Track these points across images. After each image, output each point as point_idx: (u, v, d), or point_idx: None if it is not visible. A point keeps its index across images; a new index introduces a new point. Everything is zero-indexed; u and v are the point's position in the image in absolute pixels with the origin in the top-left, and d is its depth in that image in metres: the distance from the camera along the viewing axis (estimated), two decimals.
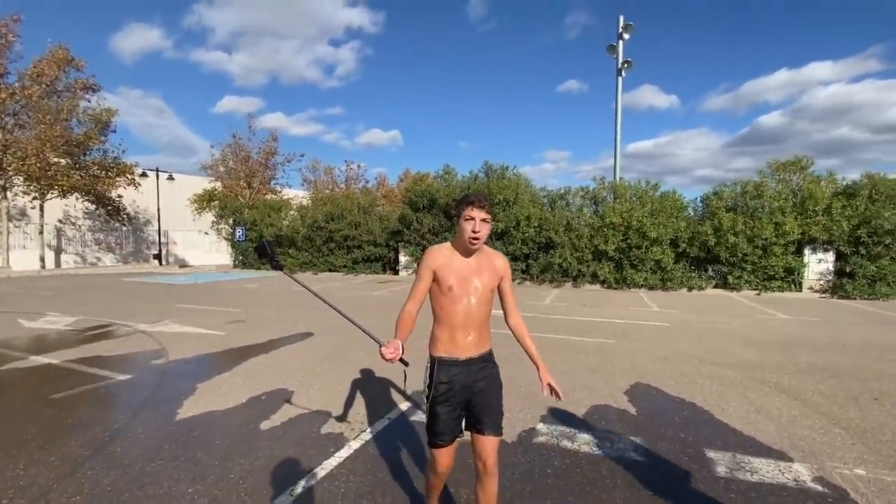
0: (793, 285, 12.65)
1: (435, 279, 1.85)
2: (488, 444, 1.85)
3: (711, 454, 2.90)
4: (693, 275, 13.35)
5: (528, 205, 15.00)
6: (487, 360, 1.92)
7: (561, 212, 15.10)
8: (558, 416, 3.52)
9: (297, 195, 27.33)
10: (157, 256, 23.76)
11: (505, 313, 2.03)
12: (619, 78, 16.72)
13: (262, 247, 2.08)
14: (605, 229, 13.86)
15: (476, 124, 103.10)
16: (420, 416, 3.42)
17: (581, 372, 4.71)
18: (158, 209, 23.70)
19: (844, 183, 13.08)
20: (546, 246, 14.74)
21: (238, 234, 20.99)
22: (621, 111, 16.89)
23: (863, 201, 11.92)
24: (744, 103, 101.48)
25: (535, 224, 14.47)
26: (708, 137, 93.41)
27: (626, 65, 16.57)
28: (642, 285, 13.49)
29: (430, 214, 16.30)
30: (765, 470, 2.70)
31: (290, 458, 2.77)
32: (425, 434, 1.91)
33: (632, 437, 3.13)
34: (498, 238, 14.95)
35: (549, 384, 1.92)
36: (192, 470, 2.63)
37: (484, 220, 1.78)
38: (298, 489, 2.43)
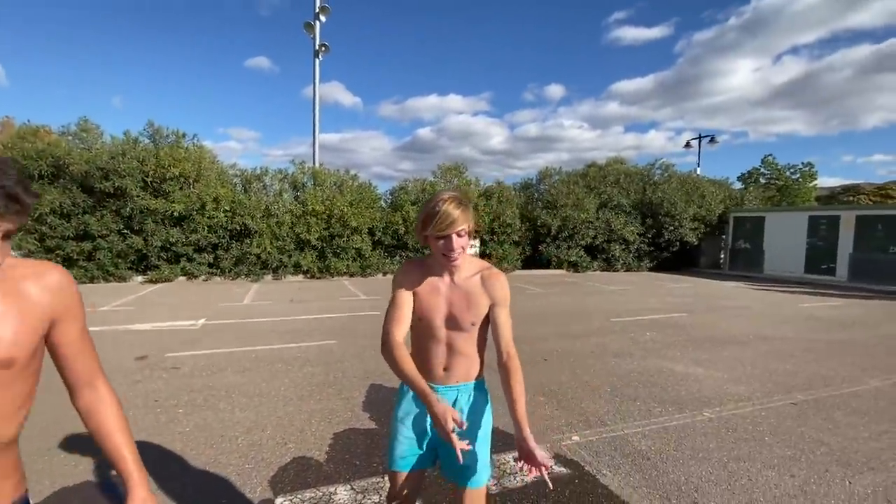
0: None
1: None
2: None
3: None
4: (386, 260, 14.63)
5: (216, 184, 12.51)
6: None
7: (258, 195, 13.40)
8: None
9: None
10: None
11: None
12: (317, 60, 16.27)
13: None
14: (307, 217, 13.23)
15: (138, 79, 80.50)
16: None
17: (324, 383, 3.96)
18: None
19: (485, 186, 17.32)
20: (240, 234, 12.73)
21: None
22: (318, 96, 16.55)
23: (495, 202, 16.09)
24: (408, 115, 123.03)
25: (227, 208, 12.22)
26: (382, 140, 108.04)
27: (323, 48, 16.24)
28: (345, 273, 13.72)
29: (56, 187, 11.14)
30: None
31: None
32: None
33: None
34: (174, 224, 11.83)
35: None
36: None
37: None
38: None
